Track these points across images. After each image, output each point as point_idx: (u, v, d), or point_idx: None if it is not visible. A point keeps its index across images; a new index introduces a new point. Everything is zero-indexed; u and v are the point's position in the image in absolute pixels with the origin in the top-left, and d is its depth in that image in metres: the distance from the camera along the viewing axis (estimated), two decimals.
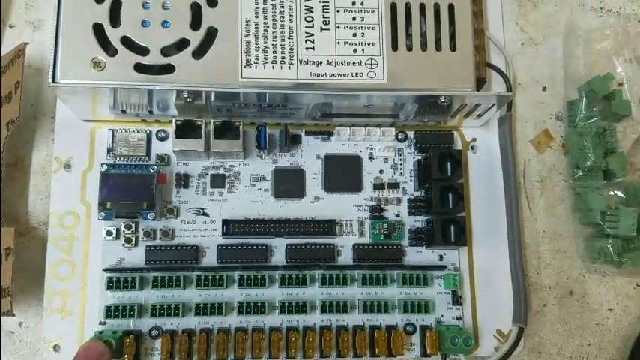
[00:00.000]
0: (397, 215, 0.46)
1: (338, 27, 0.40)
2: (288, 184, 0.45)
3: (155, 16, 0.39)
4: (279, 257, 0.44)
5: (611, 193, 0.46)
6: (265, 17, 0.39)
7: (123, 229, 0.42)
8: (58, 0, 0.38)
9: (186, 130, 0.42)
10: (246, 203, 0.44)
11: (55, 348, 0.42)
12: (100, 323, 0.42)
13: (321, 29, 0.40)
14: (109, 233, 0.42)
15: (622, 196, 0.45)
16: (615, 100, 0.46)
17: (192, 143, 0.42)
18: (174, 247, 0.43)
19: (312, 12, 0.40)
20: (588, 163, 0.46)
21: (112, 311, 0.41)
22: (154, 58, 0.38)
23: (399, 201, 0.46)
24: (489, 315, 0.45)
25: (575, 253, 0.47)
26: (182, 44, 0.39)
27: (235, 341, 0.42)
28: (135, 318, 0.42)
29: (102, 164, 0.42)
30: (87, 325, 0.42)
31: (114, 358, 0.40)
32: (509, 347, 0.43)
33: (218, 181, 0.45)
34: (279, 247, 0.44)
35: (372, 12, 0.41)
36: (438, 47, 0.41)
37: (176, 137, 0.42)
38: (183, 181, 0.44)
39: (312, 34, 0.40)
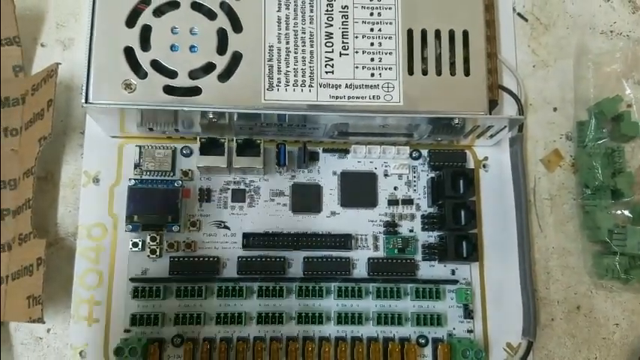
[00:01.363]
0: (411, 230, 0.47)
1: (357, 52, 0.42)
2: (306, 199, 0.47)
3: (183, 40, 0.41)
4: (296, 269, 0.45)
5: (619, 212, 0.47)
6: (287, 42, 0.41)
7: (148, 240, 0.44)
8: (91, 24, 0.40)
9: (210, 148, 0.44)
10: (265, 217, 0.46)
11: (81, 354, 0.44)
12: (126, 331, 0.44)
13: (340, 54, 0.42)
14: (135, 245, 0.44)
15: (629, 215, 0.47)
16: (624, 121, 0.47)
17: (216, 160, 0.44)
18: (196, 259, 0.44)
19: (332, 38, 0.42)
20: (597, 183, 0.47)
21: (137, 319, 0.43)
22: (182, 81, 0.40)
23: (412, 217, 0.47)
24: (499, 328, 0.46)
25: (583, 270, 0.49)
26: (208, 68, 0.41)
27: (254, 350, 0.43)
28: (159, 326, 0.43)
29: (130, 179, 0.44)
30: (112, 333, 0.44)
31: None
32: None
33: (239, 195, 0.46)
34: (296, 259, 0.45)
35: (390, 38, 0.42)
36: (452, 72, 0.42)
37: (200, 154, 0.44)
38: (206, 195, 0.46)
39: (332, 59, 0.42)
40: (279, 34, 0.41)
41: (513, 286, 0.47)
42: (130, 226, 0.43)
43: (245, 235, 0.45)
